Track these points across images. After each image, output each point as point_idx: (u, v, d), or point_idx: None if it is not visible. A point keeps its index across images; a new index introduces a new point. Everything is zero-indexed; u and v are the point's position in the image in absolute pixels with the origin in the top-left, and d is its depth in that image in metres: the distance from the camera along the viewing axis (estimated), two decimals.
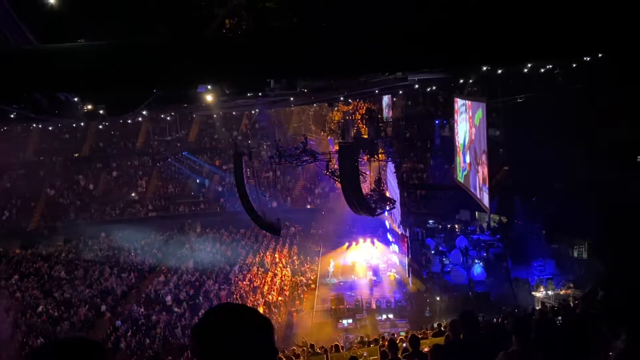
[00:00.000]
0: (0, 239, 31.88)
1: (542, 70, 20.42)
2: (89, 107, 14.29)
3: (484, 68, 18.07)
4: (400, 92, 29.40)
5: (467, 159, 21.32)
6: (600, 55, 15.68)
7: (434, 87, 27.91)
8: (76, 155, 40.14)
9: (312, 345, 13.84)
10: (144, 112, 21.90)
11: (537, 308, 16.64)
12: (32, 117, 16.15)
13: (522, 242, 22.43)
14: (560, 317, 7.99)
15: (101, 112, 15.44)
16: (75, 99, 12.80)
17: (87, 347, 1.70)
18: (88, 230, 33.97)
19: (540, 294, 20.21)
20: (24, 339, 20.47)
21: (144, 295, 24.98)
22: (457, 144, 23.53)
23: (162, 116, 31.61)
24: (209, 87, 12.30)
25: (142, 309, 22.99)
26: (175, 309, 22.93)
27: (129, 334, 20.68)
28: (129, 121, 33.89)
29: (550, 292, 20.04)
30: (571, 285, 20.15)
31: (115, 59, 7.28)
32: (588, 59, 17.12)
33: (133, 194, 38.09)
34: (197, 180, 38.64)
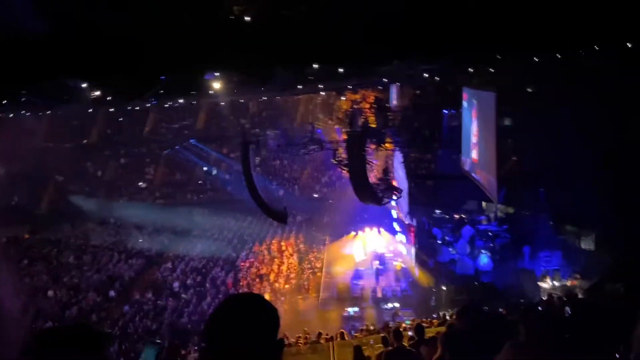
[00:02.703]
0: (10, 224, 32.11)
1: (552, 61, 20.20)
2: (97, 93, 14.32)
3: (495, 58, 17.91)
4: (409, 81, 29.22)
5: (474, 155, 21.21)
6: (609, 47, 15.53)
7: (443, 77, 27.71)
8: (84, 142, 40.30)
9: (319, 334, 13.89)
10: (152, 100, 21.92)
11: (544, 299, 16.62)
12: (40, 103, 16.20)
13: (529, 233, 22.35)
14: (568, 308, 7.96)
15: (109, 98, 15.48)
16: (83, 86, 12.82)
17: (89, 335, 1.70)
18: (96, 216, 34.23)
19: (546, 284, 20.17)
20: (32, 323, 20.72)
21: (151, 281, 25.19)
22: (465, 136, 23.39)
23: (170, 103, 31.62)
24: (217, 74, 12.27)
25: (150, 295, 23.19)
26: (183, 295, 23.11)
27: (137, 319, 20.89)
28: (137, 108, 33.92)
29: (556, 283, 20.01)
30: (577, 276, 20.08)
31: (123, 47, 7.27)
32: (597, 48, 16.94)
33: (141, 182, 38.26)
34: (205, 168, 38.71)
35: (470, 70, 23.33)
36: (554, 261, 21.01)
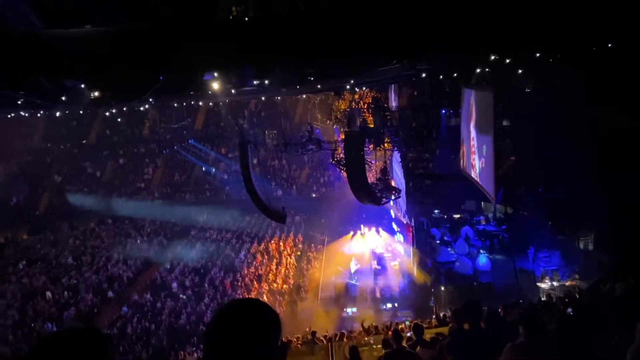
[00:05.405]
0: (8, 224, 32.10)
1: (551, 60, 20.18)
2: (96, 94, 14.25)
3: (492, 58, 17.85)
4: (408, 81, 29.18)
5: (477, 157, 21.15)
6: (609, 44, 15.49)
7: (441, 77, 27.67)
8: (83, 142, 40.29)
9: (313, 333, 13.87)
10: (151, 100, 21.84)
11: (543, 299, 16.61)
12: (38, 103, 16.11)
13: (527, 233, 22.34)
14: (570, 309, 7.95)
15: (108, 99, 15.40)
16: (82, 86, 12.76)
17: (93, 338, 1.66)
18: (95, 216, 34.21)
19: (545, 285, 20.16)
20: (31, 323, 20.68)
21: (149, 282, 25.15)
22: (463, 135, 23.35)
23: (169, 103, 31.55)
24: (215, 74, 12.20)
25: (148, 295, 23.16)
26: (181, 296, 23.08)
27: (135, 320, 20.86)
28: (136, 109, 33.90)
29: (555, 283, 19.99)
30: (576, 276, 20.07)
31: (121, 45, 7.23)
32: (595, 48, 16.91)
33: (139, 182, 38.25)
34: (203, 168, 38.70)
35: (468, 70, 23.30)
36: (552, 261, 20.99)
